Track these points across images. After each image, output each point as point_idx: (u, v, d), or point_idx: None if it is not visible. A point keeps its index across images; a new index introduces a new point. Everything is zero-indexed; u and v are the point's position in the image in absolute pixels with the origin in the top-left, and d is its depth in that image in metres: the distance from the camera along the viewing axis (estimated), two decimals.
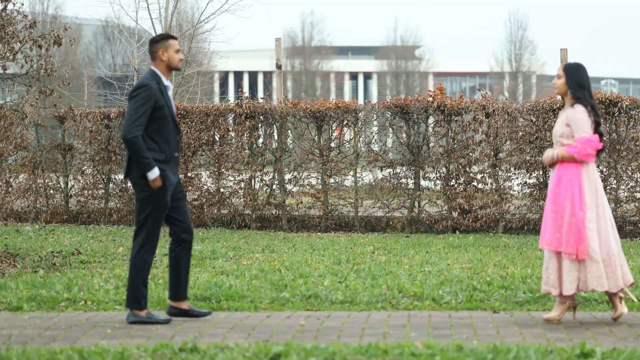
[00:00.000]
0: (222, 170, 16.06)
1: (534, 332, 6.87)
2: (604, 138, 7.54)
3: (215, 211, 16.03)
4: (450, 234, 14.54)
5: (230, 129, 16.11)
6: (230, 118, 16.27)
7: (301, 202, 15.81)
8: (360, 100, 62.82)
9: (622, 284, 7.35)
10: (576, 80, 7.45)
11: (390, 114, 15.53)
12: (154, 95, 7.32)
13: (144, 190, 7.34)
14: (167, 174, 7.33)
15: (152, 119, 7.32)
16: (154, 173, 7.26)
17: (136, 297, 7.36)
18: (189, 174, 16.17)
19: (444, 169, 15.14)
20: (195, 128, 15.95)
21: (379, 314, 7.73)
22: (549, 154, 7.47)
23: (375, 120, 16.07)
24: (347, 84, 77.01)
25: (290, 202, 15.92)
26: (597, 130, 7.44)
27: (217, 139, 16.16)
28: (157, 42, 7.49)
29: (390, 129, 15.88)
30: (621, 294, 7.39)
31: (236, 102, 16.06)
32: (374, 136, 16.16)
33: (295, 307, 8.04)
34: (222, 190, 16.05)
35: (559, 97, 7.67)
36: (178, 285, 7.57)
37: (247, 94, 17.12)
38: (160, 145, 7.35)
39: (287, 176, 15.99)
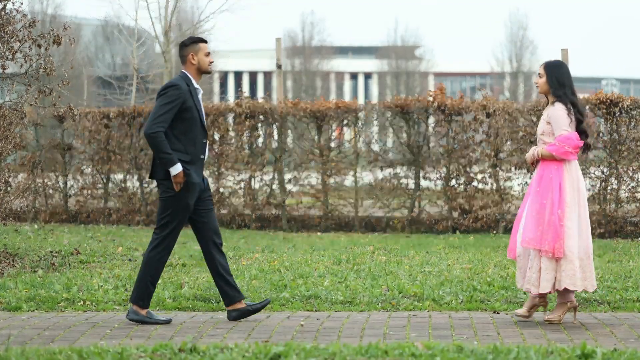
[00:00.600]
0: (222, 170, 16.04)
1: (535, 333, 6.85)
2: (588, 135, 7.53)
3: (215, 211, 16.01)
4: (451, 234, 14.52)
5: (230, 129, 16.09)
6: (230, 118, 16.26)
7: (301, 202, 15.79)
8: (361, 100, 62.84)
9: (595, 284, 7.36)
10: (557, 79, 7.46)
11: (390, 113, 15.51)
12: (182, 96, 7.33)
13: (168, 191, 7.34)
14: (190, 174, 7.31)
15: (180, 120, 7.32)
16: (176, 169, 7.26)
17: (142, 294, 7.35)
18: None
19: (444, 169, 15.12)
20: None
21: (379, 314, 7.72)
22: (530, 153, 7.49)
23: (376, 120, 16.05)
24: (347, 84, 77.00)
25: (290, 202, 15.90)
26: (579, 127, 7.44)
27: (217, 138, 16.14)
28: (187, 45, 7.50)
29: (391, 129, 15.86)
30: (570, 305, 7.37)
31: (236, 101, 16.04)
32: (374, 136, 16.14)
33: (295, 308, 8.02)
34: (221, 190, 16.03)
35: (544, 95, 7.67)
36: (230, 286, 7.50)
37: (247, 94, 17.10)
38: (186, 146, 7.35)
39: (287, 176, 15.97)
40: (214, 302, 8.18)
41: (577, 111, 7.41)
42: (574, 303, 7.39)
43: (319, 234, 14.99)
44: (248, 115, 15.77)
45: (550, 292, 7.30)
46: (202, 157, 7.44)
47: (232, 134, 16.12)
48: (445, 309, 7.94)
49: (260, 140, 16.15)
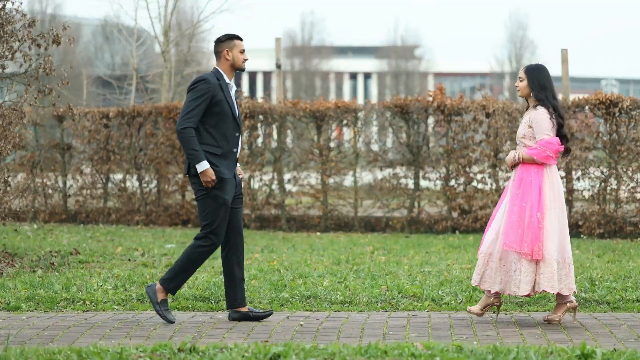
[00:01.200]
0: None
1: (534, 333, 6.85)
2: (568, 140, 7.56)
3: None
4: (450, 234, 14.52)
5: None
6: None
7: (300, 202, 15.79)
8: (360, 100, 62.83)
9: (574, 286, 7.36)
10: (538, 82, 7.47)
11: (390, 113, 15.51)
12: (212, 90, 7.34)
13: (201, 190, 7.33)
14: (221, 170, 7.31)
15: (211, 114, 7.34)
16: (202, 166, 7.26)
17: (173, 278, 7.33)
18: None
19: (443, 169, 15.12)
20: None
21: (379, 314, 7.72)
22: (511, 156, 7.50)
23: (375, 120, 16.05)
24: (347, 84, 77.01)
25: (289, 202, 15.90)
26: (560, 132, 7.46)
27: None
28: (222, 42, 7.51)
29: (390, 129, 15.86)
30: (569, 305, 7.37)
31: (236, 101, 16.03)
32: (373, 136, 16.13)
33: (294, 308, 8.02)
34: None
35: (522, 99, 7.70)
36: (237, 289, 7.48)
37: (246, 94, 17.09)
38: (218, 140, 7.36)
39: (287, 176, 15.97)
40: (214, 302, 8.18)
41: (558, 115, 7.45)
42: (574, 303, 7.40)
43: (318, 234, 14.98)
44: (247, 115, 15.77)
45: (529, 295, 7.32)
46: (234, 150, 7.44)
47: None
48: (445, 309, 7.94)
49: (260, 140, 16.15)
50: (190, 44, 21.85)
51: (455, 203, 14.89)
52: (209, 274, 9.69)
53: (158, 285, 7.38)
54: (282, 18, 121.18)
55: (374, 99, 65.97)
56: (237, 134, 7.46)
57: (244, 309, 7.46)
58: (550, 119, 7.39)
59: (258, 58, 73.67)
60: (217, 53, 7.53)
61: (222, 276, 9.46)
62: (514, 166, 7.51)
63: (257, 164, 15.83)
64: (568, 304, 7.37)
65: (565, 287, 7.32)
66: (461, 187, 14.96)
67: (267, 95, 18.17)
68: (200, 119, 7.32)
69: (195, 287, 8.71)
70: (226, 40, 7.52)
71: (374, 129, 16.23)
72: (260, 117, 15.90)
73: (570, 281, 7.33)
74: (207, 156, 7.31)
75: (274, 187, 15.85)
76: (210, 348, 6.01)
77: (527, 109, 7.60)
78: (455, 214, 15.02)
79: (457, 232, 14.72)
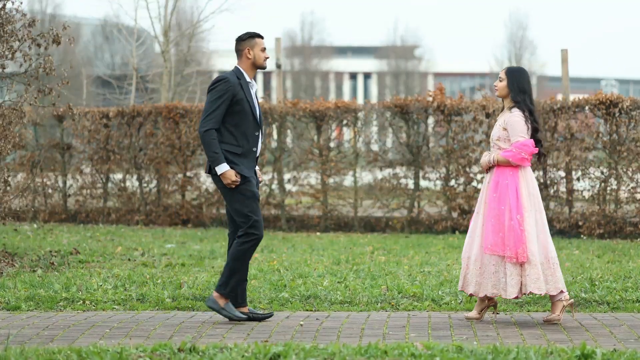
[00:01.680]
0: None
1: (534, 333, 6.85)
2: (542, 145, 7.57)
3: (214, 211, 16.01)
4: (450, 234, 14.52)
5: None
6: None
7: (300, 202, 15.79)
8: (360, 100, 62.82)
9: (563, 286, 7.35)
10: (517, 84, 7.50)
11: (390, 113, 15.50)
12: (232, 89, 7.33)
13: (224, 186, 7.34)
14: (241, 169, 7.31)
15: (231, 113, 7.34)
16: (222, 168, 7.27)
17: (226, 285, 7.33)
18: (188, 174, 16.15)
19: (443, 169, 15.12)
20: (195, 127, 15.93)
21: (379, 314, 7.72)
22: (485, 158, 7.51)
23: (375, 120, 16.05)
24: (347, 84, 77.01)
25: (289, 202, 15.90)
26: (534, 135, 7.47)
27: None
28: (244, 40, 7.50)
29: (390, 129, 15.86)
30: (565, 303, 7.37)
31: None
32: (373, 136, 16.13)
33: (294, 308, 8.02)
34: None
35: (500, 99, 7.70)
36: (241, 290, 7.47)
37: None
38: (238, 139, 7.36)
39: (287, 176, 15.96)
40: None
41: (533, 120, 7.46)
42: (569, 300, 7.41)
43: (318, 234, 14.98)
44: None
45: (518, 297, 7.33)
46: (254, 149, 7.44)
47: None
48: (445, 309, 7.94)
49: None
50: (190, 44, 21.84)
51: (455, 203, 14.88)
52: (209, 273, 9.69)
53: (215, 294, 7.37)
54: (282, 18, 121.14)
55: (373, 99, 65.97)
56: (257, 133, 7.46)
57: (244, 309, 7.46)
58: (526, 122, 7.41)
59: None
60: (238, 51, 7.51)
61: None
62: (488, 169, 7.53)
63: (257, 164, 15.82)
64: (564, 302, 7.37)
65: (552, 287, 7.33)
66: (461, 187, 14.96)
67: (267, 95, 18.18)
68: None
69: (195, 287, 8.71)
70: (247, 39, 7.50)
71: (374, 129, 16.23)
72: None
73: (556, 281, 7.34)
74: (227, 155, 7.32)
75: (273, 187, 15.85)
76: (210, 348, 6.01)
77: (501, 110, 7.64)
78: (455, 214, 15.02)
79: (457, 232, 14.72)
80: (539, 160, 7.65)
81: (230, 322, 7.40)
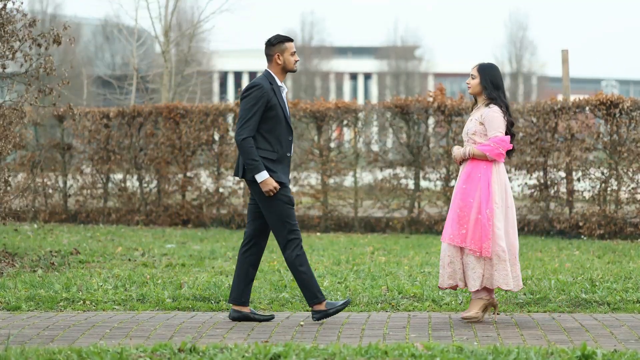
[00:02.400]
0: (222, 170, 16.04)
1: (535, 334, 6.84)
2: (515, 139, 7.60)
3: (215, 211, 16.01)
4: None
5: (230, 129, 16.09)
6: (230, 118, 16.26)
7: (301, 202, 15.79)
8: (360, 101, 62.83)
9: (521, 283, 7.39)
10: (491, 81, 7.52)
11: (390, 114, 15.50)
12: (266, 95, 7.30)
13: (261, 193, 7.30)
14: (278, 176, 7.29)
15: (265, 119, 7.31)
16: (262, 176, 7.22)
17: (312, 292, 7.33)
18: (188, 174, 16.15)
19: (444, 170, 15.12)
20: (195, 128, 15.93)
21: (379, 314, 7.71)
22: (460, 151, 7.51)
23: (375, 120, 16.05)
24: (347, 84, 77.00)
25: None
26: (509, 131, 7.49)
27: (217, 138, 16.14)
28: (274, 45, 7.46)
29: (390, 129, 15.86)
30: (490, 302, 7.40)
31: (236, 102, 16.04)
32: (373, 136, 16.14)
33: (294, 308, 8.01)
34: (221, 190, 16.03)
35: (472, 96, 7.70)
36: (242, 289, 7.46)
37: None
38: (273, 144, 7.33)
39: None
40: (214, 302, 8.17)
41: (509, 114, 7.49)
42: (494, 301, 7.42)
43: (318, 234, 14.98)
44: None
45: (478, 290, 7.35)
46: (288, 154, 7.42)
47: (231, 134, 16.11)
48: (445, 310, 7.94)
49: None
50: (191, 44, 21.84)
51: None
52: (209, 274, 9.69)
53: (314, 308, 7.35)
54: (282, 18, 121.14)
55: (374, 99, 65.96)
56: (290, 138, 7.44)
57: (246, 310, 7.45)
58: (504, 117, 7.44)
59: (258, 58, 73.76)
60: (268, 56, 7.48)
61: (221, 276, 9.46)
62: (462, 162, 7.55)
63: None
64: (485, 301, 7.38)
65: (515, 284, 7.36)
66: None
67: None
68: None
69: (195, 287, 8.71)
70: (277, 44, 7.46)
71: (374, 129, 16.23)
72: None
73: (518, 278, 7.37)
74: (263, 162, 7.28)
75: None
76: (210, 348, 6.01)
77: (474, 107, 7.66)
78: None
79: None
80: (509, 156, 7.66)
81: (231, 322, 7.39)
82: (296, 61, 7.49)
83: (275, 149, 7.33)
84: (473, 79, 7.56)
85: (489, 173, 7.39)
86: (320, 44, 70.08)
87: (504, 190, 7.41)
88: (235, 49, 61.25)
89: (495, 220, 7.30)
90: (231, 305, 7.52)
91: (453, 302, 8.10)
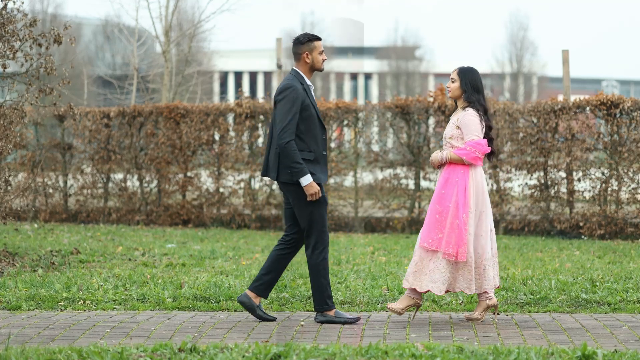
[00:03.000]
0: (222, 170, 16.04)
1: (535, 334, 6.84)
2: (493, 142, 7.59)
3: (215, 211, 16.01)
4: None
5: (230, 129, 16.09)
6: (230, 118, 16.25)
7: None
8: (361, 101, 62.81)
9: (489, 287, 7.37)
10: (471, 84, 7.51)
11: (390, 114, 15.50)
12: (300, 95, 7.29)
13: (298, 191, 7.28)
14: (319, 177, 7.28)
15: (301, 119, 7.29)
16: (307, 179, 7.20)
17: (322, 298, 7.32)
18: (189, 174, 16.15)
19: None
20: (195, 127, 15.93)
21: (379, 314, 7.71)
22: (437, 155, 7.53)
23: (376, 120, 16.05)
24: (347, 84, 77.01)
25: None
26: (487, 134, 7.49)
27: (217, 138, 16.14)
28: (303, 44, 7.44)
29: (391, 130, 15.86)
30: (489, 302, 7.40)
31: (236, 101, 16.04)
32: (374, 136, 16.14)
33: (295, 308, 8.01)
34: (221, 190, 16.03)
35: (452, 100, 7.70)
36: (270, 284, 7.46)
37: (247, 94, 17.09)
38: (309, 144, 7.32)
39: None
40: (214, 302, 8.17)
41: (487, 118, 7.48)
42: (420, 302, 7.43)
43: None
44: (248, 116, 15.77)
45: (443, 294, 7.37)
46: (324, 153, 7.41)
47: (232, 134, 16.12)
48: (446, 310, 7.94)
49: (261, 140, 16.14)
50: (191, 44, 21.82)
51: None
52: (210, 273, 9.69)
53: (322, 313, 7.35)
54: (282, 18, 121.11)
55: (374, 99, 65.95)
56: (324, 136, 7.43)
57: (257, 301, 7.44)
58: (480, 121, 7.43)
59: (258, 58, 73.76)
60: (296, 54, 7.46)
61: (221, 276, 9.46)
62: (440, 166, 7.56)
63: (258, 164, 15.82)
64: (414, 301, 7.39)
65: (478, 287, 7.39)
66: None
67: (267, 95, 18.17)
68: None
69: (195, 287, 8.71)
70: (306, 42, 7.43)
71: (375, 129, 16.23)
72: (261, 117, 15.89)
73: (482, 281, 7.37)
74: None
75: (274, 187, 15.85)
76: (210, 348, 6.01)
77: (454, 110, 7.66)
78: None
79: None
80: (489, 159, 7.66)
81: (231, 322, 7.39)
82: (324, 60, 7.47)
83: (312, 149, 7.32)
84: (453, 82, 7.56)
85: (466, 177, 7.40)
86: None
87: (479, 195, 7.41)
88: (235, 48, 61.24)
89: (468, 225, 7.31)
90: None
91: (453, 302, 8.10)
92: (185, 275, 9.64)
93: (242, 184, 15.90)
